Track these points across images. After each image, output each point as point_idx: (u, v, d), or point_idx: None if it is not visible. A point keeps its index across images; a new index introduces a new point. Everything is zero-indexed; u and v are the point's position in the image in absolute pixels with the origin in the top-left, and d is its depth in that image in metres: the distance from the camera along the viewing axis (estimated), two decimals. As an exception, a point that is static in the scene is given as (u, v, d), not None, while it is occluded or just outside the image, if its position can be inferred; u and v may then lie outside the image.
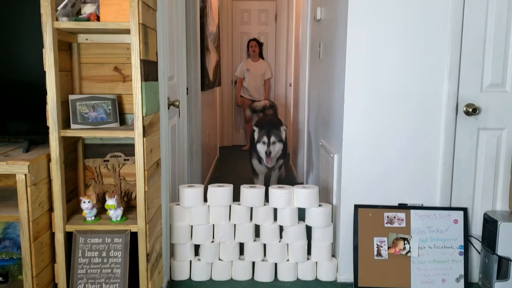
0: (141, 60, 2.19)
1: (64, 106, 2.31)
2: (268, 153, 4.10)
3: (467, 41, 2.73)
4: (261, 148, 4.18)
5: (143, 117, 2.23)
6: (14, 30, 2.31)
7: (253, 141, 4.31)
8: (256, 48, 7.16)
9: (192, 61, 4.13)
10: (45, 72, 2.16)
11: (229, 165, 6.32)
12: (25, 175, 2.05)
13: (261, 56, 7.29)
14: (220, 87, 7.16)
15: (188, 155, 3.94)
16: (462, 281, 2.78)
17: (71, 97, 2.35)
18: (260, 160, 4.34)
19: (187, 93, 3.85)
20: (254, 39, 7.23)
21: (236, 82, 7.47)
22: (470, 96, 2.78)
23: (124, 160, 2.58)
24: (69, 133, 2.26)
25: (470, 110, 2.76)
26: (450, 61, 2.75)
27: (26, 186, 2.06)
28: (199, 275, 2.90)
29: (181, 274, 2.91)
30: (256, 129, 4.26)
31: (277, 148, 4.19)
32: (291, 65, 7.01)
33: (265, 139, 4.15)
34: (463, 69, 2.76)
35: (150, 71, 2.37)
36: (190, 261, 2.92)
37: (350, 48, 2.78)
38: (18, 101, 2.37)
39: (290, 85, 7.37)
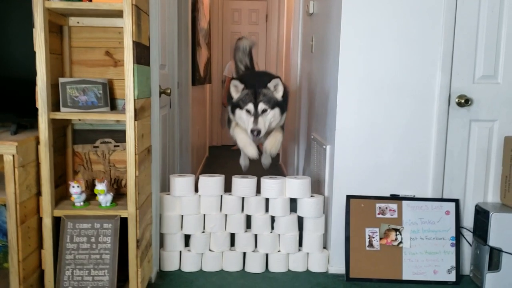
0: (133, 41, 2.16)
1: (54, 89, 2.26)
2: (256, 132, 2.78)
3: (460, 32, 2.74)
4: (244, 119, 2.85)
5: (134, 100, 2.19)
6: (1, 12, 2.26)
7: (231, 101, 2.94)
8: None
9: (183, 53, 4.10)
10: (34, 54, 2.12)
11: (218, 164, 6.28)
12: (13, 156, 1.99)
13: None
14: (210, 85, 7.13)
15: (178, 149, 3.90)
16: (453, 272, 2.77)
17: (61, 80, 2.30)
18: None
19: (177, 87, 3.82)
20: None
21: (224, 82, 7.43)
22: (462, 88, 2.78)
23: (114, 146, 2.54)
24: (58, 115, 2.21)
25: (463, 101, 2.76)
26: (443, 52, 2.75)
27: (14, 167, 2.00)
28: (189, 266, 2.86)
29: (171, 265, 2.86)
30: (236, 83, 2.87)
31: (269, 117, 2.84)
32: (281, 66, 7.01)
33: (249, 105, 2.80)
34: (456, 60, 2.77)
35: (142, 54, 2.34)
36: (180, 251, 2.88)
37: (344, 40, 2.77)
38: (6, 84, 2.32)
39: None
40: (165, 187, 3.12)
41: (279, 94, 2.86)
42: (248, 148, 2.97)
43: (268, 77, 2.92)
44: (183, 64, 4.13)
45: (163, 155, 3.07)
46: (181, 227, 2.87)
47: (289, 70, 5.35)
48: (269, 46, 7.64)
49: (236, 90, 2.85)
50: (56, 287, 2.19)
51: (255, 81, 2.85)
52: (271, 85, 2.82)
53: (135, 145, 2.22)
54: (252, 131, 2.76)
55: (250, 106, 2.79)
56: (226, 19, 7.69)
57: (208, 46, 6.09)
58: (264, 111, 2.79)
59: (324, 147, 3.07)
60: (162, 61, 2.99)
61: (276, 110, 2.85)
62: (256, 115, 2.77)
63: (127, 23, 2.14)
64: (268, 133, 2.97)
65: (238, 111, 2.85)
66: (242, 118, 2.85)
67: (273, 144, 3.07)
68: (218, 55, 7.68)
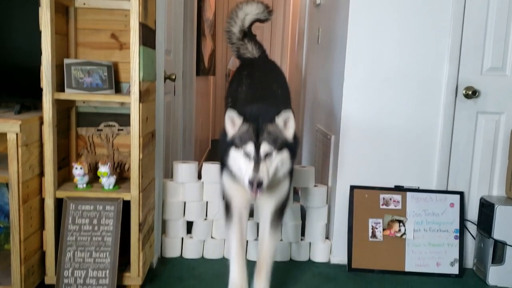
0: (140, 23, 2.14)
1: (59, 71, 2.25)
2: (257, 183, 1.92)
3: (469, 24, 2.71)
4: (240, 164, 2.02)
5: (139, 82, 2.18)
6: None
7: (225, 139, 2.10)
8: None
9: (188, 41, 4.08)
10: (39, 36, 2.10)
11: (221, 156, 6.24)
12: (16, 134, 1.98)
13: None
14: (214, 77, 7.10)
15: (181, 139, 3.89)
16: (456, 265, 2.76)
17: (66, 61, 2.29)
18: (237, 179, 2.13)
19: (182, 76, 3.80)
20: None
21: (228, 75, 7.40)
22: (470, 79, 2.76)
23: (118, 130, 2.52)
24: (63, 96, 2.20)
25: (470, 92, 2.74)
26: (451, 43, 2.73)
27: (17, 146, 1.99)
28: (190, 253, 2.84)
29: (173, 251, 2.84)
30: (232, 115, 2.06)
31: (275, 164, 2.01)
32: (286, 59, 6.98)
33: (249, 146, 1.98)
34: (464, 52, 2.74)
35: (148, 37, 2.32)
36: (182, 238, 2.86)
37: (351, 30, 2.75)
38: (10, 66, 2.30)
39: (285, 79, 7.34)
40: (168, 174, 3.11)
41: (289, 132, 2.04)
42: (233, 232, 2.24)
43: (276, 108, 2.09)
44: (188, 52, 4.11)
45: (166, 142, 3.05)
46: (184, 213, 2.85)
47: (294, 62, 5.33)
48: (273, 39, 7.61)
49: (233, 124, 2.06)
50: (57, 268, 2.17)
51: (259, 113, 2.06)
52: (280, 119, 2.02)
53: (139, 127, 2.20)
54: (250, 183, 1.91)
55: (250, 147, 1.96)
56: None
57: (213, 37, 6.07)
58: (268, 154, 1.97)
59: (328, 137, 3.05)
60: (168, 46, 2.97)
61: (285, 154, 2.02)
62: (257, 160, 1.94)
63: (134, 3, 2.12)
64: (271, 186, 2.10)
65: (233, 152, 2.03)
66: (238, 163, 2.01)
67: (270, 251, 2.29)
68: (223, 48, 7.65)
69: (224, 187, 2.26)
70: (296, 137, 2.09)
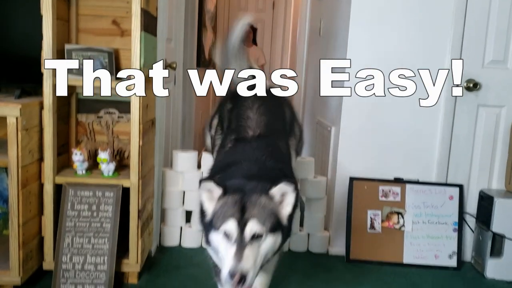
0: (141, 8, 2.13)
1: (60, 56, 2.24)
2: (239, 277, 1.38)
3: (471, 16, 2.71)
4: (219, 247, 1.50)
5: (140, 68, 2.17)
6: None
7: (203, 219, 1.60)
8: (250, 34, 7.09)
9: (189, 32, 4.06)
10: (39, 19, 2.10)
11: (220, 149, 6.24)
12: (16, 118, 1.97)
13: (254, 42, 7.22)
14: (214, 70, 7.08)
15: (180, 129, 3.87)
16: (455, 257, 2.76)
17: (67, 46, 2.28)
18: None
19: (182, 66, 3.78)
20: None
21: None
22: (471, 72, 2.75)
23: (118, 117, 2.51)
24: (63, 81, 2.19)
25: (471, 85, 2.73)
26: (453, 35, 2.72)
27: (17, 130, 1.98)
28: (189, 242, 2.84)
29: (171, 240, 2.84)
30: (209, 186, 1.54)
31: (264, 249, 1.49)
32: (287, 53, 6.98)
33: (229, 224, 1.47)
34: (466, 44, 2.74)
35: (149, 23, 2.31)
36: (181, 227, 2.86)
37: (353, 22, 2.75)
38: (11, 49, 2.29)
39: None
40: (167, 164, 3.10)
41: (286, 211, 1.53)
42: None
43: (269, 178, 1.57)
44: (189, 43, 4.09)
45: (166, 131, 3.05)
46: (183, 202, 2.85)
47: (295, 58, 5.32)
48: (274, 33, 7.58)
49: (211, 198, 1.54)
50: (56, 254, 2.17)
51: (246, 183, 1.54)
52: (276, 192, 1.52)
53: (139, 114, 2.20)
54: (231, 275, 1.38)
55: (231, 226, 1.45)
56: (233, 4, 7.63)
57: (214, 29, 6.04)
58: (256, 236, 1.45)
59: (329, 129, 3.05)
60: (169, 34, 2.95)
61: (277, 237, 1.51)
62: (240, 244, 1.43)
63: (135, -11, 2.11)
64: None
65: (213, 234, 1.51)
66: (217, 246, 1.50)
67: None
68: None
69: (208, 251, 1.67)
70: (291, 217, 1.56)
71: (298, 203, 1.60)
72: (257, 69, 2.29)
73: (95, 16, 2.44)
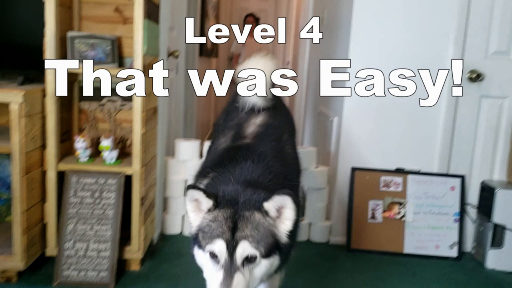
0: (144, -5, 2.12)
1: (62, 43, 2.24)
2: None
3: (475, 6, 2.69)
4: (204, 267, 1.32)
5: (143, 55, 2.17)
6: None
7: (193, 236, 1.36)
8: (253, 24, 7.08)
9: (192, 21, 4.05)
10: (42, 6, 2.10)
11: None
12: (20, 104, 1.97)
13: None
14: (216, 59, 7.07)
15: (182, 119, 3.88)
16: (455, 248, 2.77)
17: (70, 33, 2.27)
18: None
19: (185, 55, 3.78)
20: (251, 14, 7.14)
21: (231, 59, 7.37)
22: (474, 62, 2.74)
23: (121, 105, 2.51)
24: (66, 68, 2.19)
25: (474, 76, 2.73)
26: (457, 25, 2.71)
27: (20, 116, 1.99)
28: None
29: (173, 228, 2.85)
30: (197, 196, 1.29)
31: (259, 273, 1.27)
32: (289, 43, 6.95)
33: (217, 243, 1.24)
34: (469, 34, 2.72)
35: (152, 11, 2.30)
36: (183, 215, 2.87)
37: (356, 11, 2.74)
38: (13, 36, 2.29)
39: (288, 64, 7.31)
40: (170, 153, 3.11)
41: (285, 226, 1.31)
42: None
43: (268, 186, 1.39)
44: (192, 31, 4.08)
45: (168, 119, 3.05)
46: (185, 191, 2.86)
47: (298, 49, 5.30)
48: (277, 24, 7.56)
49: (198, 209, 1.33)
50: (58, 240, 2.18)
51: (240, 193, 1.32)
52: (270, 206, 1.29)
53: (142, 101, 2.20)
54: None
55: (219, 247, 1.24)
56: (236, -6, 7.61)
57: (217, 19, 6.02)
58: (249, 259, 1.25)
59: (331, 119, 3.04)
60: (171, 22, 2.95)
61: (274, 259, 1.30)
62: (229, 268, 1.24)
63: (138, -24, 2.10)
64: None
65: (198, 252, 1.32)
66: (202, 265, 1.33)
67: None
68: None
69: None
70: (293, 234, 1.35)
71: (299, 216, 1.39)
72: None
73: (98, 3, 2.43)
